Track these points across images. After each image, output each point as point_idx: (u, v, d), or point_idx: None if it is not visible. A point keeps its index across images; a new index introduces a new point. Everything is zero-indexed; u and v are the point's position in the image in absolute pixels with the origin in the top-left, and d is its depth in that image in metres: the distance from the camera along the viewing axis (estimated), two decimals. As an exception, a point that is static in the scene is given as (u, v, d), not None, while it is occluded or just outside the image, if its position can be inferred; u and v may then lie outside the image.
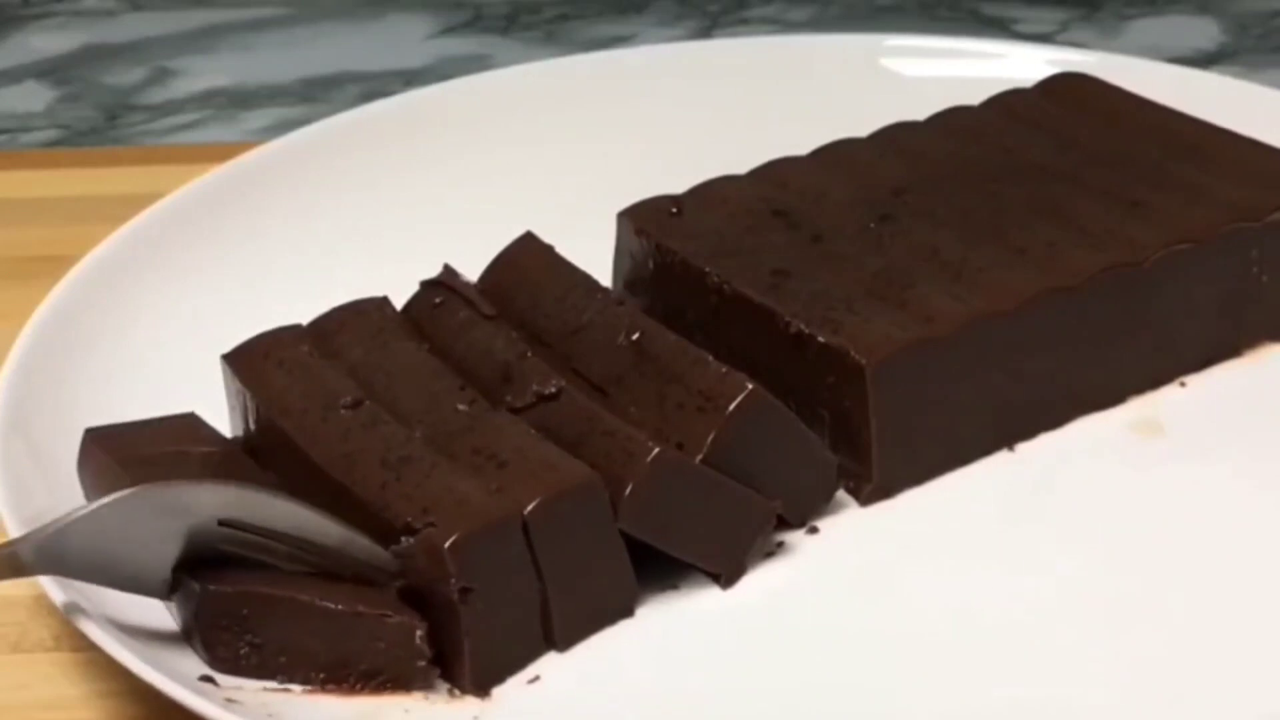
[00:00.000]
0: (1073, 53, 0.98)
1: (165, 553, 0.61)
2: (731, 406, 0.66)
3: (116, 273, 0.81)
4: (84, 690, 0.66)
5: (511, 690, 0.63)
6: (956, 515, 0.70)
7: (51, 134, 1.07)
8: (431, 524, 0.62)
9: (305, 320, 0.72)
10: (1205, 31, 1.15)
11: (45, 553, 0.60)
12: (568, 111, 0.94)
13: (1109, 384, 0.75)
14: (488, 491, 0.63)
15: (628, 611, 0.65)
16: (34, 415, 0.72)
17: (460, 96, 0.95)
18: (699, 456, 0.65)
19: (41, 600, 0.67)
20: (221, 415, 0.71)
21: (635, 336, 0.69)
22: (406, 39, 1.17)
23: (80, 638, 0.63)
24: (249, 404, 0.69)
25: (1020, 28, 1.15)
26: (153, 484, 0.61)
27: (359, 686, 0.61)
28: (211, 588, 0.61)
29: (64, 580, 0.62)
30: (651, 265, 0.76)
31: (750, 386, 0.66)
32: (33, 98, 1.11)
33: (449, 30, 1.18)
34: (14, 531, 0.63)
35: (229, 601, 0.61)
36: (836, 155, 0.81)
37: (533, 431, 0.65)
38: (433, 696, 0.62)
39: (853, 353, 0.69)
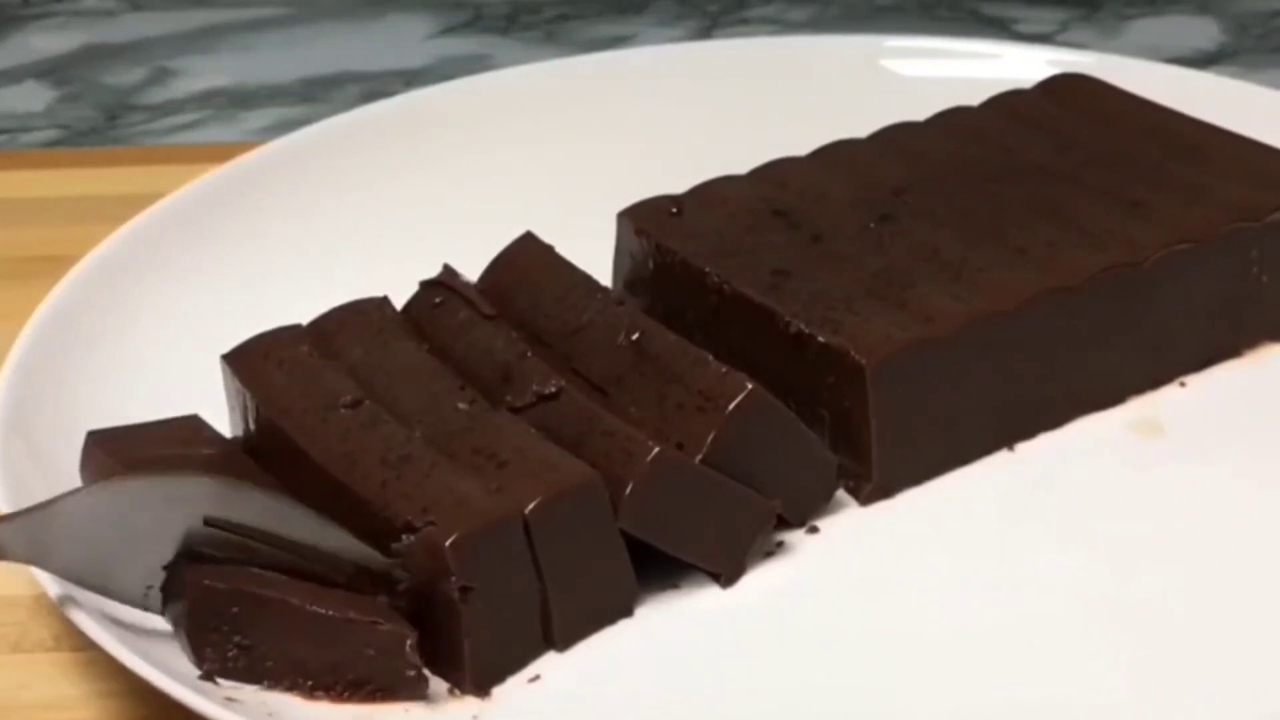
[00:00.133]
0: (1072, 53, 0.98)
1: (148, 550, 0.61)
2: (731, 406, 0.66)
3: (116, 273, 0.81)
4: (84, 690, 0.66)
5: (511, 690, 0.63)
6: (956, 515, 0.70)
7: (51, 134, 1.07)
8: (432, 523, 0.62)
9: (305, 320, 0.72)
10: (1205, 31, 1.15)
11: (23, 536, 0.60)
12: (568, 112, 0.94)
13: (1109, 384, 0.75)
14: (488, 491, 0.63)
15: (628, 611, 0.65)
16: (34, 415, 0.72)
17: (460, 97, 0.95)
18: (699, 456, 0.65)
19: (41, 600, 0.67)
20: (221, 415, 0.71)
21: (635, 336, 0.69)
22: (406, 39, 1.17)
23: (80, 638, 0.63)
24: (249, 404, 0.69)
25: (1020, 28, 1.15)
26: (135, 475, 0.61)
27: (346, 695, 0.61)
28: (205, 582, 0.61)
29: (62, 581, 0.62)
30: (651, 265, 0.76)
31: (750, 386, 0.66)
32: (33, 98, 1.11)
33: (449, 30, 1.18)
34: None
35: (221, 598, 0.61)
36: (836, 155, 0.81)
37: (533, 431, 0.65)
38: (433, 696, 0.62)
39: (853, 353, 0.69)
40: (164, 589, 0.62)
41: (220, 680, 0.61)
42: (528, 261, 0.74)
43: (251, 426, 0.69)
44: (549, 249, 0.74)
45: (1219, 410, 0.75)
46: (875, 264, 0.74)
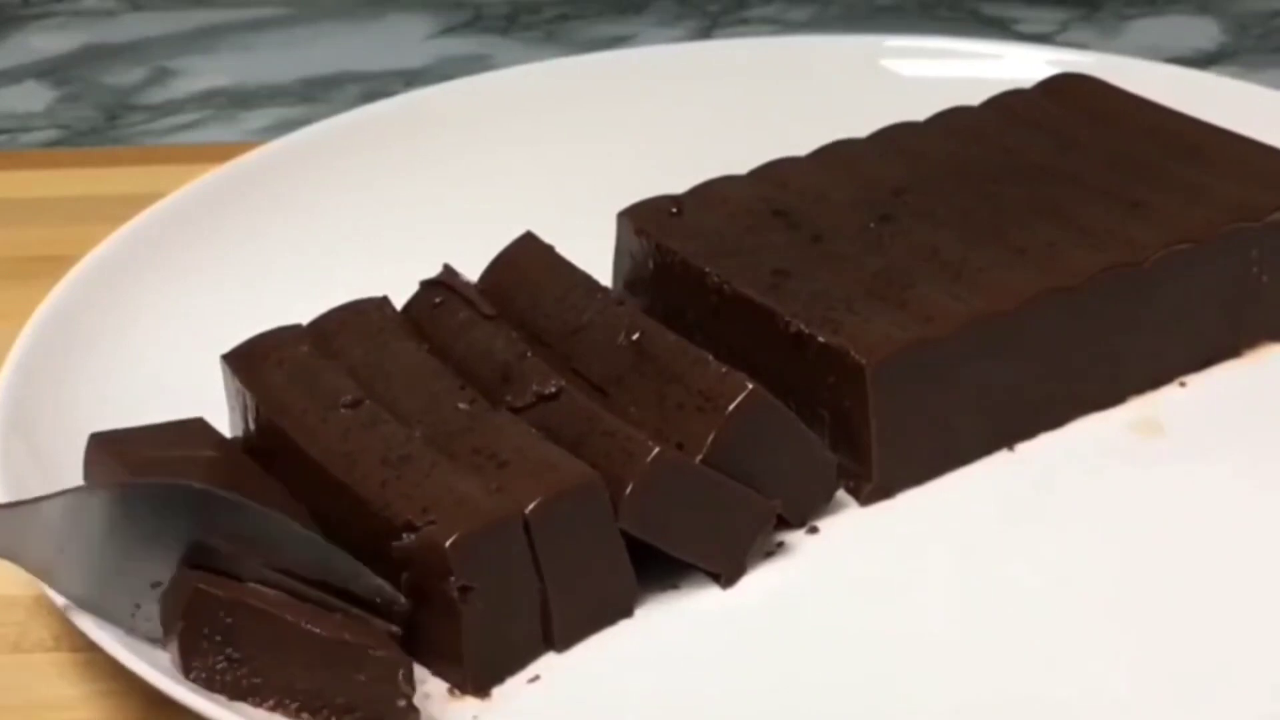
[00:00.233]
0: (1073, 53, 0.98)
1: (139, 564, 0.60)
2: (731, 406, 0.66)
3: (116, 273, 0.81)
4: (84, 690, 0.66)
5: (511, 690, 0.63)
6: (956, 515, 0.70)
7: (51, 134, 1.07)
8: (432, 522, 0.62)
9: (305, 320, 0.72)
10: (1205, 31, 1.15)
11: (6, 528, 0.59)
12: (568, 111, 0.94)
13: (1109, 384, 0.75)
14: (488, 491, 0.63)
15: (628, 611, 0.65)
16: (34, 415, 0.72)
17: (460, 97, 0.95)
18: (699, 456, 0.65)
19: (41, 600, 0.67)
20: (222, 415, 0.71)
21: (635, 336, 0.69)
22: (406, 39, 1.17)
23: (80, 638, 0.63)
24: (249, 404, 0.69)
25: (1020, 28, 1.15)
26: (128, 481, 0.61)
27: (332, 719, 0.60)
28: (201, 588, 0.60)
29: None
30: (651, 265, 0.76)
31: (750, 386, 0.66)
32: (33, 98, 1.11)
33: (449, 30, 1.18)
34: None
35: (217, 606, 0.59)
36: (836, 155, 0.81)
37: (533, 431, 0.65)
38: (433, 696, 0.62)
39: (853, 353, 0.69)
40: (159, 594, 0.61)
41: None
42: (528, 261, 0.74)
43: (251, 426, 0.69)
44: (549, 249, 0.74)
45: (1219, 410, 0.75)
46: (875, 264, 0.74)
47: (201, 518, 0.60)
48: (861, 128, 0.83)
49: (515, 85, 0.96)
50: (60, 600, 0.62)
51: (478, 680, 0.62)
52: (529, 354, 0.69)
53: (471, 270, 0.74)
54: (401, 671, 0.60)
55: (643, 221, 0.77)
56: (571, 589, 0.64)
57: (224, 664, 0.60)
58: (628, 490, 0.63)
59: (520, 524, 0.62)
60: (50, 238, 0.89)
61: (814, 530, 0.69)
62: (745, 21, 1.18)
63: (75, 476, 0.67)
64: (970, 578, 0.67)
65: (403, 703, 0.60)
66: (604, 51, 1.06)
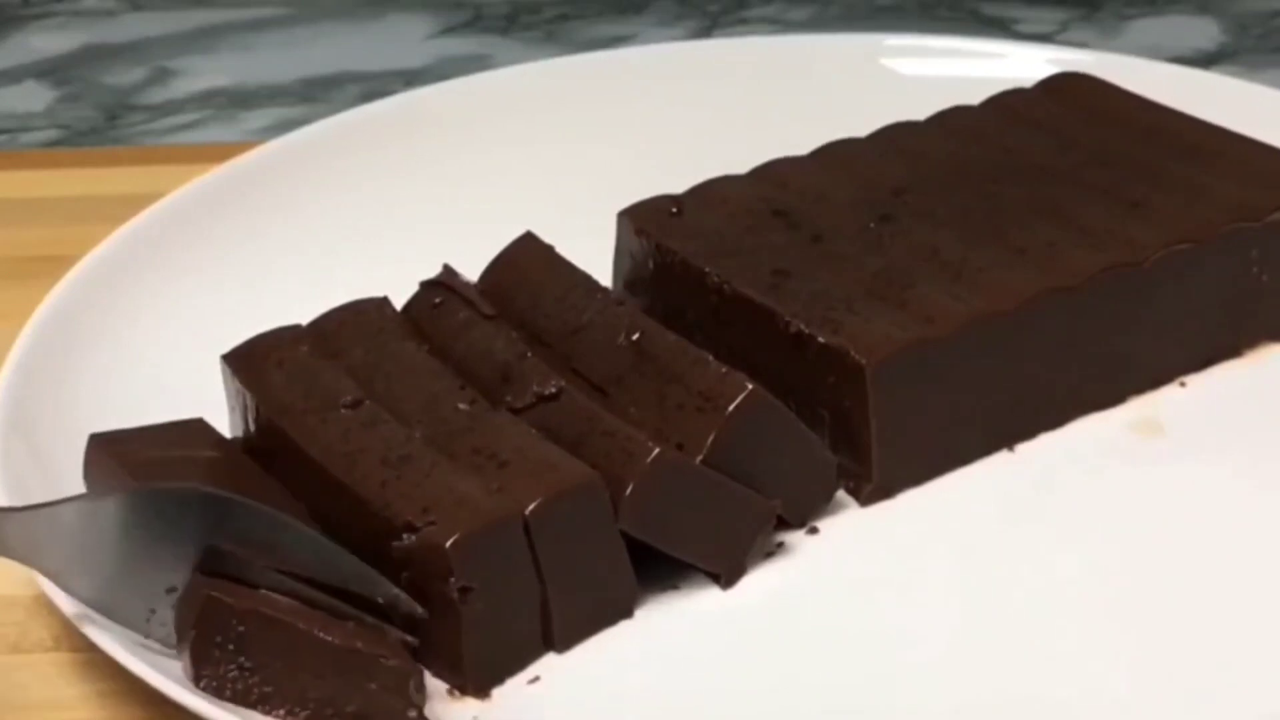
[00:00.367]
0: (1073, 53, 0.98)
1: (153, 570, 0.60)
2: (731, 406, 0.66)
3: (116, 273, 0.81)
4: (84, 690, 0.66)
5: (511, 690, 0.63)
6: (956, 515, 0.70)
7: (51, 134, 1.07)
8: (432, 523, 0.62)
9: (305, 320, 0.72)
10: (1205, 31, 1.15)
11: (24, 533, 0.59)
12: (568, 111, 0.94)
13: (1109, 384, 0.75)
14: (488, 491, 0.63)
15: (627, 612, 0.65)
16: (34, 415, 0.72)
17: (460, 97, 0.95)
18: (699, 457, 0.65)
19: (41, 600, 0.67)
20: (222, 415, 0.71)
21: (635, 336, 0.69)
22: (406, 39, 1.17)
23: (80, 638, 0.63)
24: (249, 404, 0.69)
25: (1020, 28, 1.15)
26: (142, 487, 0.61)
27: None
28: (214, 595, 0.59)
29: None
30: (651, 265, 0.76)
31: (750, 386, 0.66)
32: (33, 98, 1.11)
33: (449, 30, 1.18)
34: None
35: (229, 614, 0.59)
36: (836, 155, 0.81)
37: (533, 431, 0.65)
38: (433, 697, 0.62)
39: (853, 353, 0.69)
40: (173, 602, 0.61)
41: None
42: (528, 261, 0.74)
43: (251, 427, 0.69)
44: (549, 249, 0.74)
45: (1219, 410, 0.75)
46: (875, 264, 0.74)
47: (215, 522, 0.60)
48: (861, 128, 0.83)
49: (514, 85, 0.96)
50: (69, 605, 0.62)
51: (478, 681, 0.62)
52: (529, 354, 0.69)
53: (471, 270, 0.74)
54: (412, 681, 0.60)
55: (643, 221, 0.77)
56: (571, 589, 0.64)
57: (235, 672, 0.59)
58: (628, 490, 0.63)
59: (520, 524, 0.62)
60: (50, 238, 0.89)
61: (814, 530, 0.69)
62: (745, 21, 1.18)
63: (75, 476, 0.67)
64: (970, 578, 0.67)
65: (413, 713, 0.60)
66: (604, 51, 1.06)
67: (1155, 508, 0.70)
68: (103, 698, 0.65)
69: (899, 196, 0.78)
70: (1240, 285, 0.76)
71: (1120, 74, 0.88)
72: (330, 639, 0.59)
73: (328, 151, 0.90)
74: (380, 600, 0.61)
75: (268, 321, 0.72)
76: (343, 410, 0.67)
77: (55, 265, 0.80)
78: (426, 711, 0.61)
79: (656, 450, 0.64)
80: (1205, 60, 1.11)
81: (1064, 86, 0.86)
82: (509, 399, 0.67)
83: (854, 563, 0.68)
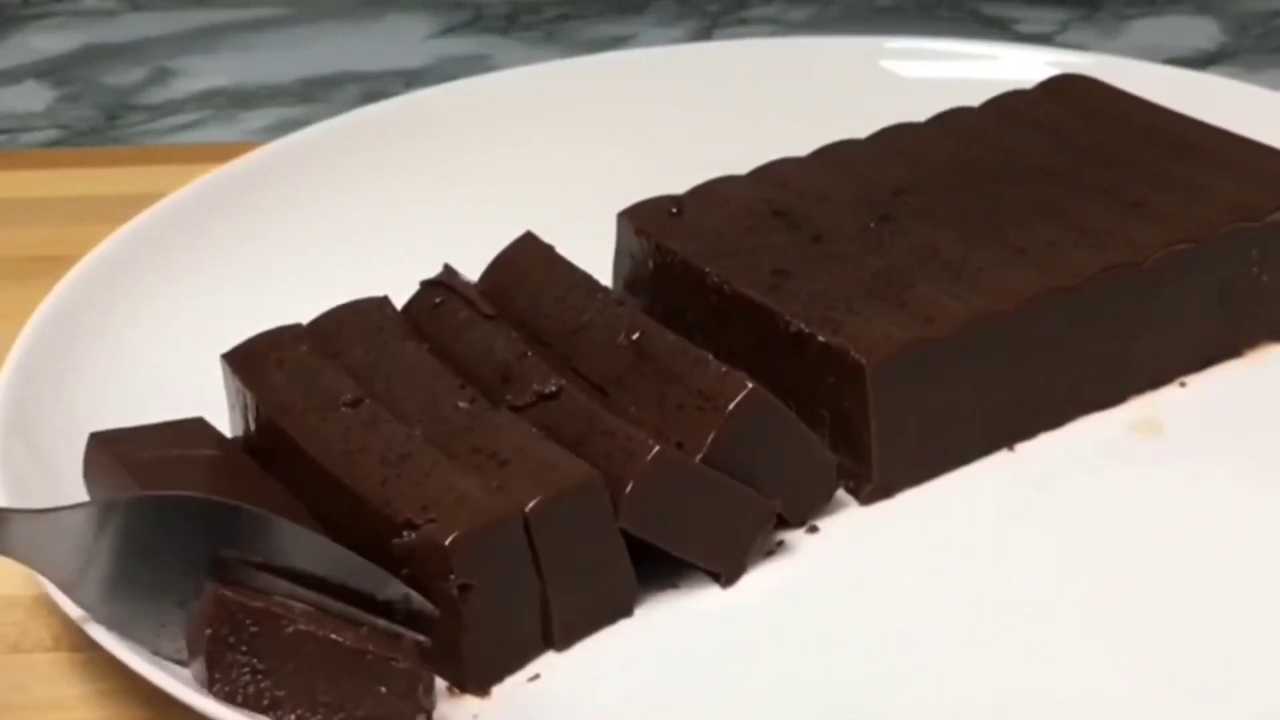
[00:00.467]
0: (1072, 54, 0.98)
1: (164, 579, 0.60)
2: (731, 406, 0.66)
3: (116, 273, 0.81)
4: (84, 690, 0.66)
5: (511, 689, 0.63)
6: (956, 515, 0.70)
7: (51, 134, 1.07)
8: (432, 520, 0.62)
9: (305, 320, 0.72)
10: (1205, 31, 1.15)
11: (28, 536, 0.59)
12: (568, 112, 0.94)
13: (1109, 384, 0.75)
14: (488, 489, 0.63)
15: (627, 611, 0.65)
16: (34, 415, 0.72)
17: (461, 97, 0.95)
18: (699, 456, 0.65)
19: (41, 600, 0.67)
20: (222, 415, 0.71)
21: (635, 336, 0.69)
22: (406, 39, 1.17)
23: (80, 638, 0.63)
24: (249, 404, 0.69)
25: (1020, 28, 1.15)
26: (154, 495, 0.61)
27: None
28: (227, 597, 0.59)
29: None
30: (651, 265, 0.76)
31: (750, 386, 0.66)
32: (33, 98, 1.11)
33: (449, 30, 1.18)
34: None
35: (243, 615, 0.59)
36: (836, 156, 0.81)
37: (533, 430, 0.65)
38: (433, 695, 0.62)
39: (853, 353, 0.69)
40: (185, 605, 0.60)
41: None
42: (528, 261, 0.74)
43: (252, 426, 0.69)
44: (549, 249, 0.74)
45: (1219, 410, 0.75)
46: (875, 264, 0.74)
47: (222, 531, 0.60)
48: (861, 128, 0.83)
49: (515, 86, 0.96)
50: (70, 606, 0.61)
51: (477, 679, 0.62)
52: (529, 354, 0.69)
53: (471, 270, 0.74)
54: (422, 685, 0.59)
55: (643, 221, 0.77)
56: (571, 588, 0.64)
57: (248, 675, 0.59)
58: (628, 489, 0.63)
59: (521, 522, 0.62)
60: (50, 238, 0.89)
61: (814, 530, 0.69)
62: (745, 22, 1.18)
63: (75, 476, 0.67)
64: (970, 577, 0.67)
65: (422, 717, 0.60)
66: (604, 51, 1.06)
67: (1155, 508, 0.70)
68: (103, 698, 0.65)
69: (899, 197, 0.78)
70: (1240, 285, 0.76)
71: (1119, 76, 0.88)
72: (343, 641, 0.59)
73: (328, 152, 0.90)
74: (391, 599, 0.61)
75: (268, 321, 0.72)
76: (343, 409, 0.67)
77: (55, 265, 0.80)
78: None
79: (656, 449, 0.64)
80: (1205, 60, 1.11)
81: (1064, 88, 0.87)
82: (509, 398, 0.67)
83: (854, 562, 0.68)
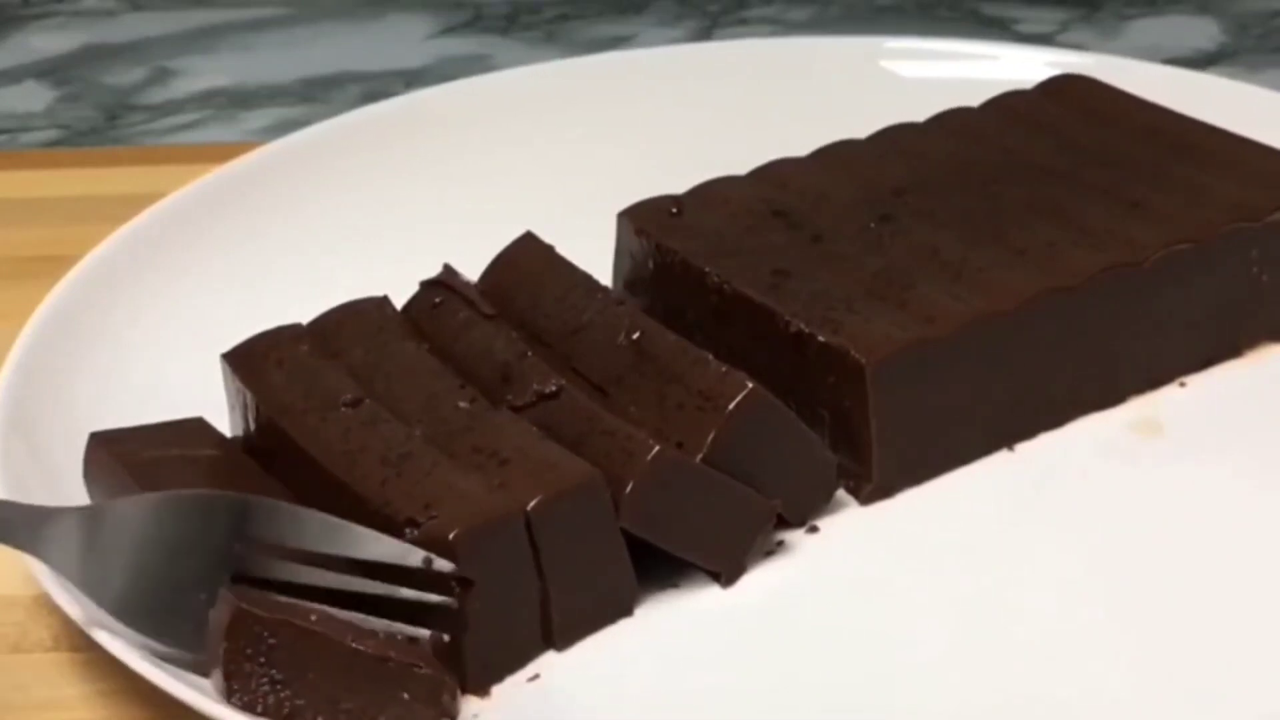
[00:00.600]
0: (1072, 54, 0.98)
1: (177, 571, 0.60)
2: (731, 406, 0.66)
3: (116, 273, 0.81)
4: (84, 690, 0.66)
5: (511, 689, 0.63)
6: (956, 515, 0.70)
7: (51, 134, 1.07)
8: (434, 518, 0.62)
9: (305, 320, 0.72)
10: (1205, 31, 1.15)
11: (37, 530, 0.59)
12: (568, 112, 0.94)
13: (1109, 384, 0.75)
14: (490, 488, 0.63)
15: (627, 610, 0.65)
16: (34, 415, 0.72)
17: (461, 97, 0.95)
18: (699, 456, 0.65)
19: (41, 600, 0.67)
20: (222, 415, 0.71)
21: (635, 336, 0.69)
22: (406, 39, 1.17)
23: (80, 638, 0.63)
24: (249, 403, 0.69)
25: (1020, 28, 1.15)
26: (175, 491, 0.60)
27: None
28: (244, 608, 0.59)
29: (64, 582, 0.62)
30: (651, 265, 0.76)
31: (750, 386, 0.66)
32: (33, 98, 1.11)
33: (449, 30, 1.18)
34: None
35: (260, 627, 0.58)
36: (836, 156, 0.81)
37: (534, 430, 0.65)
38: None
39: (853, 352, 0.69)
40: (201, 615, 0.60)
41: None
42: (528, 261, 0.74)
43: (252, 426, 0.69)
44: (549, 249, 0.74)
45: (1219, 410, 0.75)
46: (875, 264, 0.74)
47: (236, 525, 0.60)
48: (861, 129, 0.83)
49: (515, 86, 0.96)
50: (70, 605, 0.61)
51: (477, 678, 0.62)
52: (529, 354, 0.69)
53: (471, 270, 0.74)
54: (445, 691, 0.59)
55: (643, 221, 0.77)
56: (572, 587, 0.64)
57: (267, 685, 0.59)
58: (628, 489, 0.64)
59: (522, 521, 0.62)
60: (50, 238, 0.89)
61: (814, 530, 0.69)
62: (745, 22, 1.18)
63: (75, 476, 0.67)
64: (970, 577, 0.67)
65: None
66: (604, 51, 1.06)
67: (1155, 508, 0.70)
68: (103, 697, 0.65)
69: (899, 197, 0.78)
70: (1240, 285, 0.76)
71: (1119, 76, 0.88)
72: (363, 648, 0.59)
73: (328, 152, 0.90)
74: (413, 567, 0.60)
75: (268, 321, 0.72)
76: (343, 409, 0.67)
77: (55, 265, 0.80)
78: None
79: (657, 448, 0.64)
80: (1205, 60, 1.11)
81: (1064, 88, 0.87)
82: (509, 398, 0.67)
83: (854, 562, 0.68)
